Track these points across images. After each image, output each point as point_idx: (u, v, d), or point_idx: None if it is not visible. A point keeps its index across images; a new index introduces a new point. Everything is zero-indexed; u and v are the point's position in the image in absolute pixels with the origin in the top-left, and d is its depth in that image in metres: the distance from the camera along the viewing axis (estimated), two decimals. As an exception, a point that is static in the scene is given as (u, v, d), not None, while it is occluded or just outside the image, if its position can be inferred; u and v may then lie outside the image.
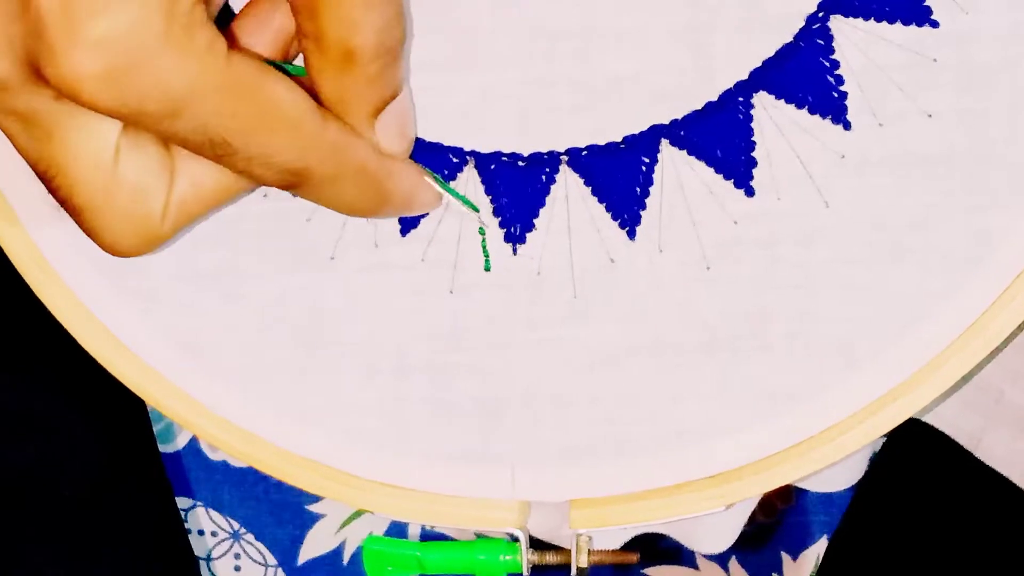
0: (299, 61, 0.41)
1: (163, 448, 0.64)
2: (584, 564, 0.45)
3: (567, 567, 0.46)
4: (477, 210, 0.44)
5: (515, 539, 0.46)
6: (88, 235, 0.40)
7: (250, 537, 0.65)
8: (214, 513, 0.65)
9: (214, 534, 0.66)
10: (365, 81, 0.39)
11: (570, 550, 0.46)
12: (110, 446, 0.58)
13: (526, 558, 0.46)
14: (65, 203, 0.39)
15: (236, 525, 0.65)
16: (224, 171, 0.39)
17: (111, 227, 0.39)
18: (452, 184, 0.44)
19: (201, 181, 0.40)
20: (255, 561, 0.66)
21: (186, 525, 0.65)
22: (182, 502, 0.65)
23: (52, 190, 0.39)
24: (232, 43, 0.40)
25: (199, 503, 0.65)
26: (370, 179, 0.41)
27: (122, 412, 0.59)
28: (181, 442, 0.64)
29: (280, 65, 0.40)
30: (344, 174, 0.40)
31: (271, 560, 0.66)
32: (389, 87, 0.40)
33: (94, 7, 0.35)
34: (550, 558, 0.46)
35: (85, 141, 0.39)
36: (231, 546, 0.66)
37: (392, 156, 0.41)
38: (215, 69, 0.37)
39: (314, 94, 0.40)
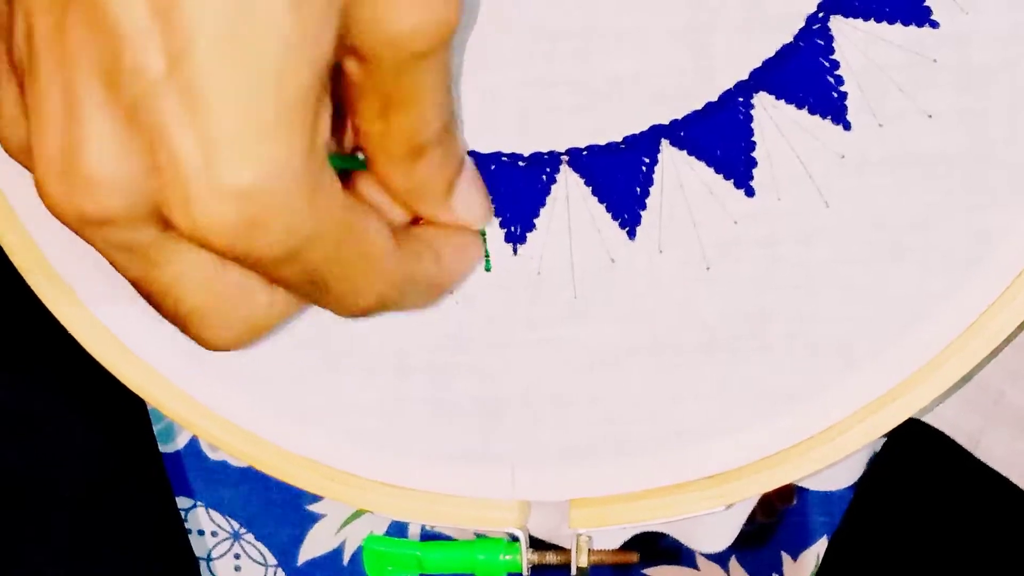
0: None
1: (163, 448, 0.64)
2: (584, 564, 0.45)
3: (567, 567, 0.46)
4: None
5: (515, 539, 0.46)
6: (192, 337, 0.38)
7: (250, 537, 0.65)
8: (214, 513, 0.65)
9: (214, 534, 0.66)
10: (435, 166, 0.39)
11: (570, 550, 0.46)
12: (110, 446, 0.58)
13: (526, 558, 0.46)
14: (169, 316, 0.38)
15: (236, 525, 0.65)
16: None
17: (219, 328, 0.38)
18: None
19: None
20: (255, 561, 0.66)
21: (186, 525, 0.65)
22: (182, 502, 0.65)
23: (154, 305, 0.38)
24: None
25: (199, 503, 0.65)
26: (433, 288, 0.40)
27: (122, 412, 0.59)
28: (181, 442, 0.64)
29: (347, 159, 0.40)
30: (409, 297, 0.39)
31: (271, 560, 0.66)
32: (455, 160, 0.40)
33: (239, 160, 0.33)
34: (550, 558, 0.46)
35: (191, 262, 0.37)
36: (231, 546, 0.66)
37: (469, 232, 0.41)
38: (336, 215, 0.35)
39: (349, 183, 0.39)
